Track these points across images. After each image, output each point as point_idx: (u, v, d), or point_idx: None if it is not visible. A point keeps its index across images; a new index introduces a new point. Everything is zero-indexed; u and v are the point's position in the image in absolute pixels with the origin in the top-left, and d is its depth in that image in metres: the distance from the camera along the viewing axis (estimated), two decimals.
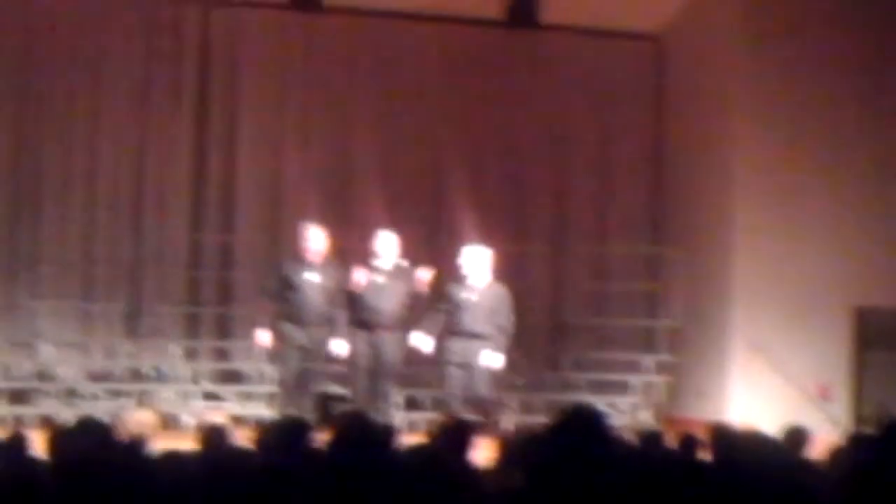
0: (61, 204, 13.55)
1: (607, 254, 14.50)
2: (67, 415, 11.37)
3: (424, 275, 10.60)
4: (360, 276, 10.55)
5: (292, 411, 10.21)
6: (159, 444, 5.90)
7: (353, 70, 14.24)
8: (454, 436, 6.06)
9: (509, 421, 12.42)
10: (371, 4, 14.04)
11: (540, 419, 12.00)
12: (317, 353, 10.57)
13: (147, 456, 5.45)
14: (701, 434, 6.98)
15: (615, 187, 14.83)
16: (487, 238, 11.38)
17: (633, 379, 13.08)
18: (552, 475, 4.42)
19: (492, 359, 10.43)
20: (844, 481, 5.10)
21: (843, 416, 12.40)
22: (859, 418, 12.53)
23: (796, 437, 6.94)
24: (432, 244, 12.80)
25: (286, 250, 11.95)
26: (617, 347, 13.79)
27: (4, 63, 13.48)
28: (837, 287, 12.78)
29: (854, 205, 12.91)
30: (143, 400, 12.54)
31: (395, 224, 11.22)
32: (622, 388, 13.06)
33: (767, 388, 12.32)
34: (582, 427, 4.51)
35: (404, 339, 10.69)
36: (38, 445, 5.71)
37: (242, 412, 12.31)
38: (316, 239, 10.65)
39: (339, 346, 10.53)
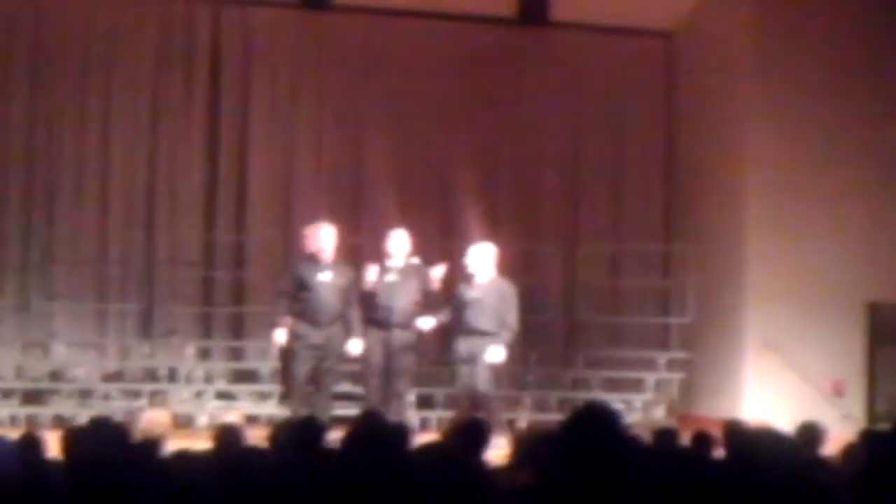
0: (74, 205, 13.58)
1: (620, 251, 14.49)
2: (81, 415, 11.40)
3: (437, 272, 10.60)
4: (371, 273, 10.55)
5: (306, 411, 10.24)
6: (173, 444, 5.91)
7: (364, 69, 14.23)
8: (467, 434, 6.06)
9: (523, 419, 12.44)
10: (382, 3, 14.05)
11: (553, 417, 12.01)
12: (331, 352, 10.57)
13: (161, 456, 5.46)
14: (715, 431, 6.98)
15: (627, 185, 14.82)
16: (499, 236, 11.37)
17: (647, 376, 13.06)
18: (565, 473, 4.42)
19: (494, 354, 10.41)
20: (858, 478, 5.09)
21: (856, 412, 12.38)
22: (873, 414, 12.52)
23: (811, 433, 6.92)
24: (444, 243, 12.78)
25: (298, 248, 11.95)
26: (630, 345, 13.79)
27: (16, 64, 13.50)
28: (850, 283, 12.75)
29: (866, 201, 12.88)
30: (156, 400, 12.54)
31: (406, 223, 11.21)
32: (635, 385, 13.04)
33: (781, 384, 12.31)
34: (595, 425, 4.50)
35: (418, 338, 10.70)
36: (51, 446, 5.73)
37: (256, 411, 12.34)
38: (328, 238, 10.64)
39: (355, 346, 10.53)
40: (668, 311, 13.90)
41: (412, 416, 11.69)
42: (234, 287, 13.82)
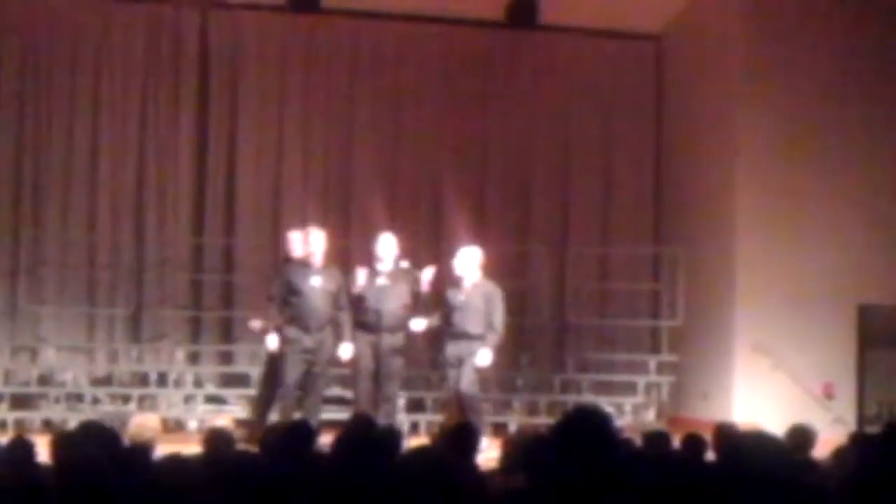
0: (63, 208, 13.55)
1: (610, 254, 14.50)
2: (70, 419, 11.37)
3: (426, 275, 10.60)
4: (360, 277, 10.54)
5: (297, 415, 10.25)
6: (163, 448, 5.90)
7: (352, 72, 14.24)
8: (458, 438, 6.05)
9: (512, 422, 12.44)
10: (370, 6, 14.04)
11: (543, 420, 12.02)
12: (321, 356, 10.56)
13: (151, 460, 5.45)
14: (705, 434, 6.98)
15: (617, 187, 14.83)
16: (489, 239, 11.38)
17: (637, 379, 13.06)
18: (557, 476, 4.41)
19: (482, 357, 10.41)
20: (848, 481, 5.09)
21: (846, 415, 12.39)
22: (863, 417, 12.54)
23: (801, 436, 6.93)
24: (434, 246, 12.80)
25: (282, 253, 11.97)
26: (620, 348, 13.80)
27: (5, 67, 13.48)
28: (840, 286, 12.77)
29: (856, 203, 12.91)
30: (146, 404, 12.52)
31: (395, 226, 11.20)
32: (626, 388, 13.05)
33: (771, 387, 12.33)
34: (586, 428, 4.50)
35: (407, 342, 10.70)
36: (41, 450, 5.71)
37: (246, 415, 12.32)
38: (317, 242, 10.64)
39: (345, 350, 10.53)
40: (658, 313, 13.91)
41: (402, 420, 11.68)
42: (223, 291, 13.81)
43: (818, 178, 12.91)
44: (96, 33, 13.71)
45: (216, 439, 6.29)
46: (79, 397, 12.54)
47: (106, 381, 13.05)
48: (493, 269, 10.84)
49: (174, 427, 12.00)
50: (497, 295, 10.60)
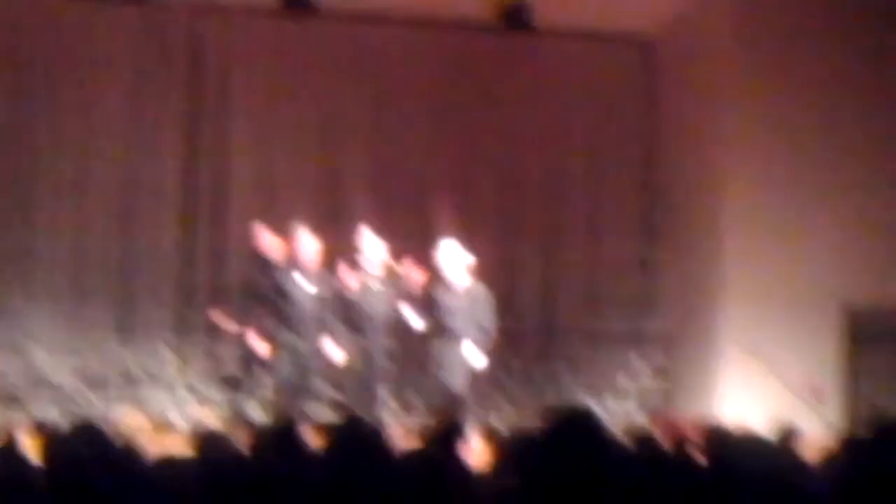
0: (52, 205, 13.51)
1: (598, 254, 14.50)
2: (59, 418, 11.35)
3: (415, 276, 10.62)
4: (348, 278, 10.57)
5: (286, 415, 10.25)
6: (151, 446, 5.89)
7: (344, 75, 14.22)
8: (446, 440, 6.06)
9: (501, 422, 12.45)
10: (363, 9, 14.02)
11: (532, 421, 12.02)
12: (311, 358, 10.59)
13: (140, 460, 5.43)
14: (694, 435, 6.99)
15: (607, 190, 14.82)
16: (479, 240, 11.39)
17: (626, 380, 13.08)
18: (546, 477, 4.42)
19: (474, 358, 10.43)
20: (838, 483, 5.10)
21: (835, 417, 12.41)
22: (852, 419, 12.56)
23: (788, 436, 6.95)
24: (424, 248, 12.81)
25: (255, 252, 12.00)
26: (608, 348, 13.80)
27: None
28: (829, 287, 12.80)
29: (847, 206, 12.93)
30: (134, 402, 12.51)
31: (387, 228, 11.22)
32: (614, 388, 13.06)
33: (759, 388, 12.34)
34: (576, 429, 4.50)
35: (398, 343, 10.74)
36: (29, 449, 5.70)
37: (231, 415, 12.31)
38: (308, 246, 10.67)
39: (333, 350, 10.54)
40: (646, 313, 13.92)
41: (392, 422, 11.69)
42: (212, 289, 13.79)
43: (808, 180, 12.94)
44: (87, 34, 13.68)
45: (208, 441, 6.27)
46: (67, 395, 12.51)
47: (94, 378, 13.02)
48: (482, 270, 10.86)
49: (162, 425, 11.99)
50: (487, 297, 10.64)
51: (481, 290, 10.71)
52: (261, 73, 14.08)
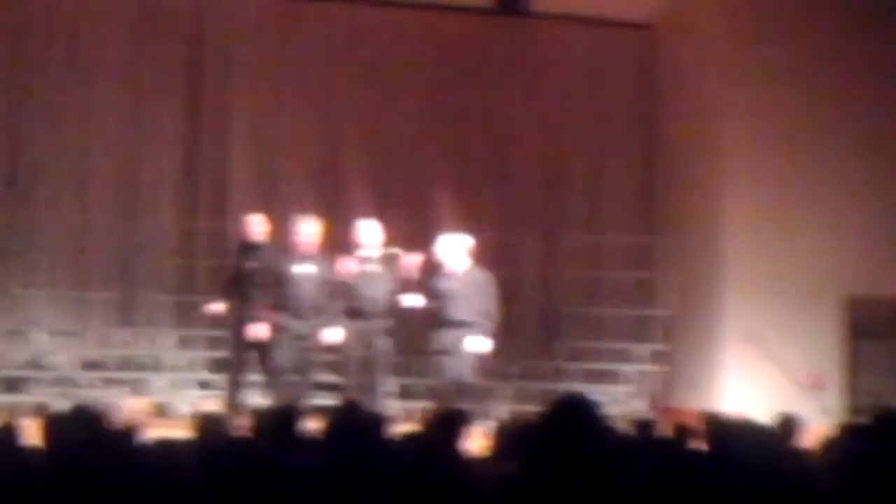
0: (55, 192, 13.54)
1: (600, 243, 14.49)
2: (61, 403, 11.35)
3: (413, 260, 10.62)
4: (348, 266, 10.58)
5: (286, 400, 10.26)
6: (153, 433, 5.90)
7: (344, 61, 14.23)
8: (447, 425, 6.06)
9: (503, 410, 12.45)
10: None
11: (533, 408, 12.03)
12: (312, 342, 10.60)
13: (140, 444, 5.45)
14: (694, 423, 6.99)
15: (608, 176, 14.83)
16: (480, 227, 11.39)
17: (626, 368, 13.09)
18: (546, 464, 4.42)
19: (478, 344, 10.42)
20: (838, 471, 5.11)
21: (835, 405, 12.41)
22: (852, 407, 12.56)
23: (788, 425, 6.95)
24: (424, 233, 12.79)
25: (279, 240, 11.99)
26: (610, 336, 13.80)
27: None
28: (830, 276, 12.79)
29: (847, 194, 12.92)
30: (136, 388, 12.53)
31: (386, 214, 11.22)
32: (615, 377, 13.07)
33: (760, 377, 12.34)
34: (575, 416, 4.51)
35: (398, 327, 10.73)
36: (31, 434, 5.70)
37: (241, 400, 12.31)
38: (308, 231, 10.67)
39: (334, 334, 10.55)
40: (648, 303, 13.92)
41: (393, 406, 11.69)
42: (213, 276, 13.77)
43: (809, 168, 12.93)
44: (90, 18, 13.68)
45: (207, 424, 6.28)
46: (69, 381, 12.53)
47: (96, 365, 13.05)
48: (484, 258, 10.86)
49: (164, 411, 12.02)
50: (488, 281, 10.62)
51: (484, 274, 10.69)
52: (261, 59, 14.09)
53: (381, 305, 10.57)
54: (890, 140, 13.10)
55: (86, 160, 13.65)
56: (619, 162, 14.81)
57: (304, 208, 11.28)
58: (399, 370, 12.01)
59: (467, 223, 11.72)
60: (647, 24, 14.88)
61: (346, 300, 10.60)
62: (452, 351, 10.47)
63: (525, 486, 4.40)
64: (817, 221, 12.88)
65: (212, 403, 11.06)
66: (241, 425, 6.61)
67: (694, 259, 13.37)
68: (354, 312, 10.58)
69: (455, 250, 10.64)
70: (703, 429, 6.79)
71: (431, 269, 10.83)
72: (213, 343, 13.53)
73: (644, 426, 7.18)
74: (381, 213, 11.79)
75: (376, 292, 10.53)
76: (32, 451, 5.22)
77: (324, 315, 10.60)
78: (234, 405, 10.70)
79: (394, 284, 10.64)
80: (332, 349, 10.78)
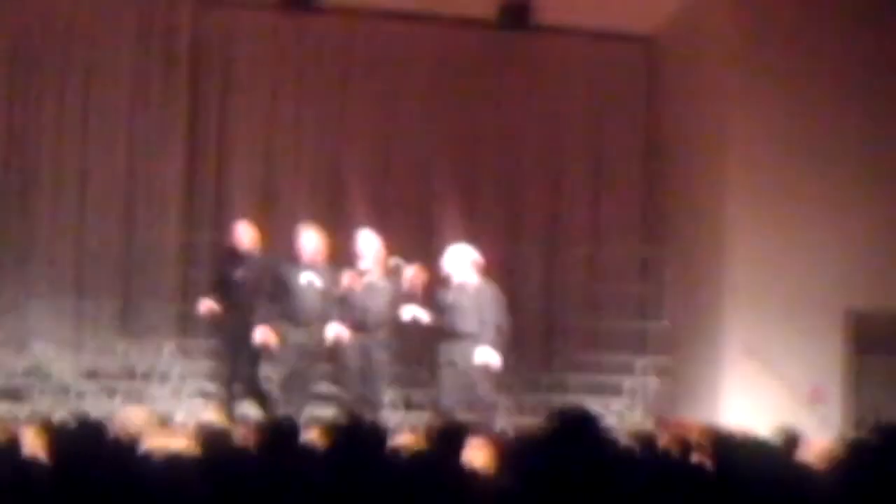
0: (53, 201, 13.52)
1: (600, 255, 14.49)
2: (61, 413, 11.35)
3: (408, 272, 10.63)
4: (351, 281, 10.60)
5: (288, 411, 10.28)
6: (153, 442, 5.90)
7: (344, 70, 14.24)
8: (448, 439, 6.05)
9: (503, 422, 12.44)
10: (363, 4, 14.02)
11: (533, 421, 12.02)
12: (313, 353, 10.61)
13: (142, 456, 5.43)
14: (695, 436, 6.98)
15: (609, 189, 14.81)
16: (479, 239, 11.39)
17: (626, 380, 13.08)
18: (546, 478, 4.42)
19: (488, 357, 10.43)
20: (840, 486, 5.10)
21: (837, 419, 12.40)
22: (854, 422, 12.54)
23: (789, 439, 6.93)
24: (425, 245, 12.81)
25: (278, 250, 12.01)
26: (609, 349, 13.78)
27: None
28: (832, 290, 12.77)
29: (849, 207, 12.91)
30: (134, 397, 12.52)
31: (387, 225, 11.23)
32: (614, 389, 13.06)
33: (760, 390, 12.33)
34: (576, 429, 4.51)
35: (395, 338, 10.74)
36: (31, 444, 5.69)
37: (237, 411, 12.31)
38: (311, 241, 10.69)
39: (334, 328, 10.56)
40: (648, 314, 13.91)
41: (391, 418, 11.70)
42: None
43: (811, 181, 12.91)
44: (87, 29, 13.68)
45: (210, 437, 6.26)
46: (69, 391, 12.52)
47: (96, 374, 13.04)
48: (484, 269, 10.86)
49: (164, 421, 12.01)
50: (493, 293, 10.64)
51: (491, 288, 10.71)
52: (261, 70, 14.08)
53: (381, 317, 10.57)
54: (890, 154, 13.10)
55: (84, 169, 13.63)
56: (620, 174, 14.80)
57: (306, 219, 11.28)
58: (398, 381, 12.03)
59: (468, 234, 11.73)
60: (648, 37, 14.87)
61: (346, 311, 10.59)
62: (461, 364, 10.47)
63: (524, 500, 4.40)
64: (820, 234, 12.86)
65: (212, 413, 11.06)
66: (243, 437, 6.60)
67: (696, 271, 13.36)
68: (354, 324, 10.57)
69: (462, 263, 10.65)
70: (705, 443, 6.79)
71: (433, 281, 10.83)
72: (210, 352, 13.54)
73: (645, 440, 7.16)
74: (382, 224, 11.81)
75: (376, 304, 10.54)
76: (35, 463, 5.21)
77: (326, 327, 10.62)
78: (232, 416, 10.70)
79: (395, 296, 10.65)
80: (331, 359, 10.77)
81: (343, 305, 10.65)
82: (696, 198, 13.74)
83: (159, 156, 13.80)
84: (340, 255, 11.55)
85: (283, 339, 10.56)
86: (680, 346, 13.34)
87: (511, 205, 14.56)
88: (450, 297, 10.59)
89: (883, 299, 12.83)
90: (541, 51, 14.59)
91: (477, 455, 6.44)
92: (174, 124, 13.86)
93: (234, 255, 10.99)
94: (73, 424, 5.49)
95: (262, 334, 10.61)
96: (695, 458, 6.62)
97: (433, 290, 10.86)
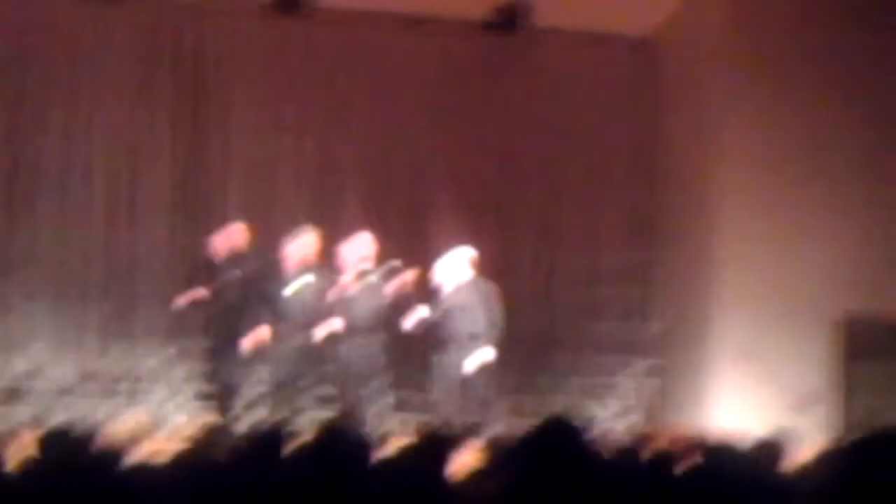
0: (53, 205, 13.54)
1: (595, 259, 14.48)
2: (58, 415, 11.38)
3: (406, 276, 10.66)
4: (345, 276, 10.63)
5: (284, 412, 10.32)
6: (148, 447, 5.91)
7: (343, 75, 14.22)
8: (434, 443, 6.06)
9: (498, 425, 12.45)
10: (360, 7, 14.02)
11: (528, 423, 12.01)
12: (309, 355, 10.63)
13: (120, 466, 5.43)
14: (686, 440, 7.00)
15: (604, 193, 14.79)
16: (476, 241, 11.41)
17: (620, 383, 13.08)
18: (530, 484, 4.43)
19: (483, 353, 10.46)
20: (827, 490, 5.10)
21: (828, 424, 12.40)
22: (845, 426, 12.54)
23: (779, 443, 6.94)
24: (423, 247, 12.82)
25: (275, 252, 12.03)
26: (603, 352, 13.77)
27: None
28: (824, 295, 12.78)
29: (842, 213, 12.92)
30: (134, 401, 12.54)
31: (385, 229, 11.24)
32: (609, 392, 13.07)
33: (753, 395, 12.33)
34: (558, 435, 4.52)
35: (389, 341, 10.77)
36: (27, 446, 5.69)
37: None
38: (307, 243, 10.71)
39: (329, 348, 10.59)
40: (642, 318, 13.90)
41: (389, 420, 11.73)
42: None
43: (805, 186, 12.92)
44: (87, 36, 13.69)
45: (199, 442, 6.28)
46: (67, 393, 12.55)
47: (94, 377, 13.05)
48: (480, 272, 10.88)
49: (158, 424, 12.03)
50: (493, 292, 10.66)
51: (487, 284, 10.73)
52: (257, 76, 14.08)
53: (376, 319, 10.59)
54: (885, 160, 13.11)
55: (84, 173, 13.65)
56: (616, 178, 14.80)
57: (302, 221, 11.30)
58: (395, 383, 12.05)
59: (464, 237, 11.74)
60: (646, 40, 14.86)
61: (342, 313, 10.62)
62: (462, 365, 10.49)
63: None
64: (812, 240, 12.87)
65: (207, 417, 11.07)
66: (235, 443, 6.61)
67: (688, 275, 13.36)
68: (350, 326, 10.60)
69: (458, 263, 10.67)
70: (695, 446, 6.81)
71: (426, 284, 10.85)
72: (204, 353, 13.56)
73: (635, 443, 7.17)
74: (379, 227, 11.82)
75: (371, 306, 10.56)
76: (16, 474, 5.21)
77: (319, 327, 10.65)
78: (225, 421, 10.72)
79: (388, 298, 10.67)
80: (326, 361, 10.79)
81: (339, 308, 10.66)
82: (690, 202, 13.74)
83: (156, 162, 13.82)
84: (336, 256, 11.57)
85: (278, 341, 10.56)
86: (674, 350, 13.35)
87: (506, 208, 14.57)
88: (451, 298, 10.60)
89: (875, 305, 12.83)
90: (537, 54, 14.58)
91: (468, 458, 6.46)
92: (169, 129, 13.87)
93: (229, 257, 11.00)
94: (57, 435, 5.49)
95: (256, 335, 10.62)
96: (684, 462, 6.65)
97: (431, 293, 10.87)
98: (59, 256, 13.42)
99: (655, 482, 5.43)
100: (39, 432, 5.86)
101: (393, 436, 10.39)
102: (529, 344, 13.96)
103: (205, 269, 11.08)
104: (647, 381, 13.08)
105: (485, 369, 10.59)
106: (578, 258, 14.38)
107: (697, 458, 6.43)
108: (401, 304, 10.77)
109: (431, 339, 10.80)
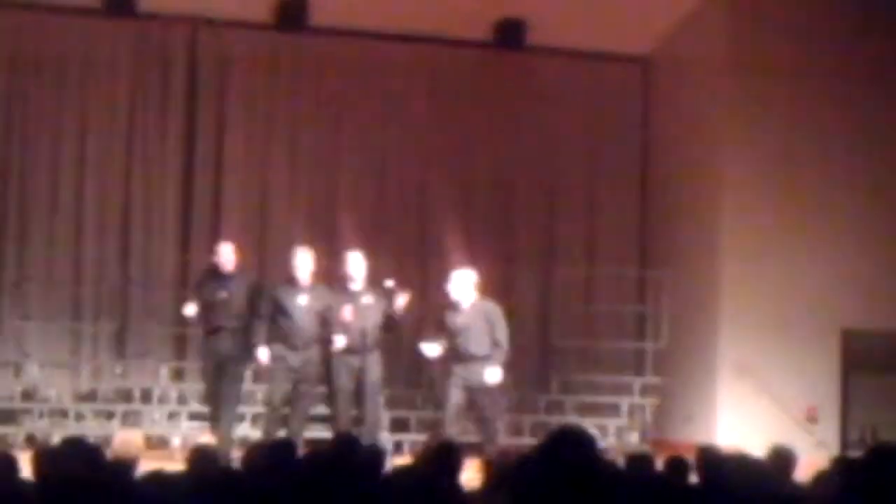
0: (49, 224, 13.53)
1: (595, 276, 14.50)
2: (54, 435, 11.33)
3: (401, 300, 10.63)
4: (343, 294, 10.61)
5: (280, 432, 10.28)
6: (146, 465, 5.89)
7: (339, 91, 14.26)
8: (442, 458, 6.05)
9: (502, 443, 12.42)
10: (358, 25, 14.05)
11: (527, 441, 12.00)
12: (308, 375, 10.60)
13: (133, 477, 5.43)
14: (688, 457, 6.98)
15: (603, 209, 14.84)
16: (475, 260, 11.39)
17: (621, 401, 13.06)
18: (540, 498, 4.42)
19: (491, 375, 10.44)
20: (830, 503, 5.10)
21: (829, 438, 12.40)
22: (846, 441, 12.55)
23: (783, 458, 6.93)
24: (419, 266, 12.83)
25: (273, 271, 12.02)
26: (604, 369, 13.77)
27: None
28: (824, 310, 12.80)
29: (841, 228, 12.95)
30: (130, 420, 12.50)
31: (381, 246, 11.23)
32: (610, 410, 13.05)
33: (754, 410, 12.33)
34: (570, 449, 4.50)
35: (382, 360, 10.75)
36: (24, 466, 5.68)
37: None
38: (304, 262, 10.68)
39: (329, 366, 10.57)
40: (643, 335, 13.90)
41: (386, 439, 11.70)
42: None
43: (804, 202, 12.96)
44: (84, 49, 13.70)
45: (200, 456, 6.26)
46: (63, 413, 12.51)
47: (90, 396, 13.02)
48: (480, 290, 10.86)
49: (157, 444, 12.00)
50: (497, 312, 10.64)
51: (492, 305, 10.71)
52: (255, 92, 14.11)
53: (373, 338, 10.57)
54: (884, 174, 13.14)
55: (80, 192, 13.65)
56: (614, 194, 14.83)
57: (300, 240, 11.28)
58: (392, 402, 12.02)
59: (463, 255, 11.72)
60: (641, 57, 14.92)
61: (341, 331, 10.58)
62: (470, 386, 10.46)
63: None
64: (812, 254, 12.90)
65: (205, 435, 11.03)
66: (233, 459, 6.61)
67: (688, 291, 13.36)
68: (349, 345, 10.57)
69: (468, 286, 10.66)
70: (698, 462, 6.79)
71: (432, 305, 10.83)
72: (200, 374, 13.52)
73: (638, 460, 7.15)
74: (376, 246, 11.81)
75: (368, 324, 10.53)
76: (27, 485, 5.20)
77: (318, 345, 10.61)
78: (223, 438, 10.65)
79: (382, 318, 10.66)
80: (326, 380, 10.75)
81: (334, 327, 10.63)
82: (690, 218, 13.76)
83: (155, 178, 13.83)
84: (334, 274, 11.55)
85: (277, 361, 10.53)
86: (675, 367, 13.33)
87: (507, 225, 14.59)
88: (459, 319, 10.57)
89: (874, 319, 12.85)
90: (536, 71, 14.63)
91: (474, 474, 6.45)
92: (169, 145, 13.89)
93: (217, 276, 10.95)
94: (66, 448, 5.47)
95: (261, 355, 10.59)
96: (687, 478, 6.63)
97: (437, 313, 10.87)
98: (56, 277, 13.42)
99: (665, 492, 5.42)
100: (55, 442, 5.84)
101: (390, 455, 10.41)
102: (531, 362, 13.96)
103: (199, 289, 11.03)
104: (650, 399, 13.04)
105: (497, 392, 10.57)
106: (579, 276, 14.38)
107: (703, 471, 6.44)
108: (393, 325, 10.76)
109: (444, 359, 10.77)
